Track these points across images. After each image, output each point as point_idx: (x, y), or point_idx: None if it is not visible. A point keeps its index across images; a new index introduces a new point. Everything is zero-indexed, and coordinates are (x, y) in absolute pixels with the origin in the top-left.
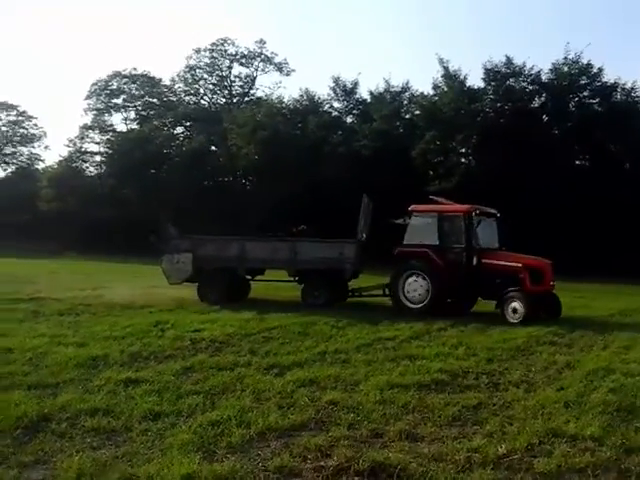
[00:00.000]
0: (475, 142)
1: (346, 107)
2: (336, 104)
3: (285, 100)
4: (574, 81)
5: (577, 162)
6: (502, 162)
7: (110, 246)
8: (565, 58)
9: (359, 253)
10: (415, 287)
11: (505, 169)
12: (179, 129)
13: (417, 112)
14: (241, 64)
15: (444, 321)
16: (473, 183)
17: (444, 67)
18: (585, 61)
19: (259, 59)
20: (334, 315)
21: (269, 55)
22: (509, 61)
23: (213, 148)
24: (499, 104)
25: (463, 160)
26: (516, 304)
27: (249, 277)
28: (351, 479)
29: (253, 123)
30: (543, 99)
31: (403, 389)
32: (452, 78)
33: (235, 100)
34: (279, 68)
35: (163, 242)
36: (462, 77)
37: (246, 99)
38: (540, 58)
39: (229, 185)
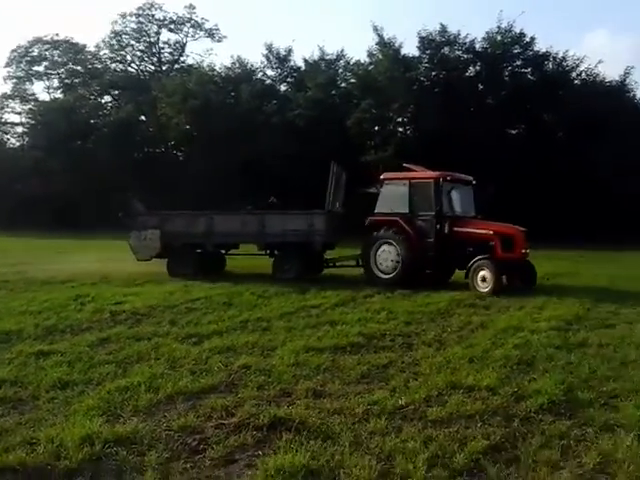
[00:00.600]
0: (411, 111)
1: (280, 75)
2: (269, 72)
3: (217, 68)
4: (507, 50)
5: (512, 131)
6: (438, 131)
7: (35, 221)
8: (498, 27)
9: (330, 224)
10: (386, 257)
11: (442, 138)
12: (106, 98)
13: (352, 81)
14: (170, 30)
15: (371, 288)
16: (410, 152)
17: (379, 35)
18: (518, 30)
19: (188, 25)
20: (262, 285)
21: (199, 21)
22: (444, 29)
23: (142, 118)
24: (434, 72)
25: (399, 129)
26: (485, 272)
27: (223, 251)
28: (250, 434)
29: (183, 92)
30: (478, 68)
31: (318, 352)
32: (387, 46)
33: (164, 67)
34: (210, 34)
35: (130, 218)
36: (397, 45)
37: (176, 66)
38: (474, 27)
39: (160, 157)
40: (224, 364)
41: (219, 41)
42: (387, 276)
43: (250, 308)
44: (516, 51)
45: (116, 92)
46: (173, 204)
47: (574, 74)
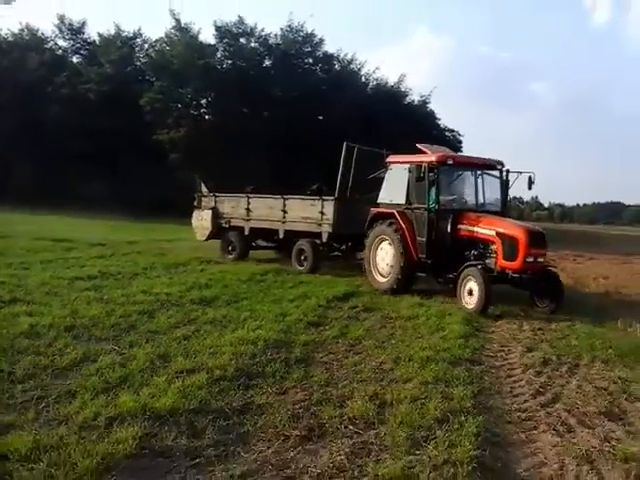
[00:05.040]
0: (206, 96)
1: (72, 46)
2: (61, 42)
3: (2, 33)
4: (299, 48)
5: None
6: (234, 117)
7: None
8: (289, 26)
9: (342, 213)
10: (383, 257)
11: (237, 123)
12: None
13: (146, 61)
14: None
15: (131, 247)
16: (205, 135)
17: (176, 19)
18: (309, 30)
19: None
20: (32, 242)
21: None
22: (241, 21)
23: None
24: (230, 61)
25: (194, 112)
26: (472, 284)
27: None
28: None
29: None
30: (272, 61)
31: (61, 279)
32: (183, 31)
33: None
34: None
35: (196, 199)
36: (194, 31)
37: None
38: (270, 21)
39: None
40: None
41: (7, 3)
42: (384, 280)
43: (17, 257)
44: (307, 49)
45: None
46: None
47: (359, 76)
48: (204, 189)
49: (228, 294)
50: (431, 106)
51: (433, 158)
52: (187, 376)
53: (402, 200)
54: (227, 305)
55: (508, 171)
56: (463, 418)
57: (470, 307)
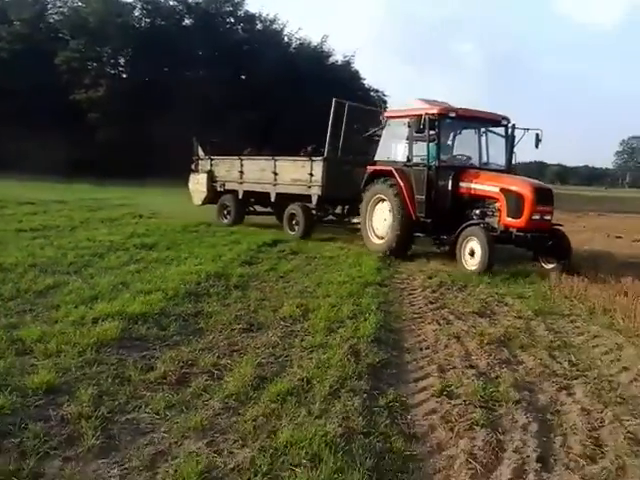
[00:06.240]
0: (125, 55)
1: None
2: None
3: None
4: (219, 7)
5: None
6: (154, 77)
7: None
8: None
9: (332, 174)
10: (380, 217)
11: (157, 82)
12: None
13: (61, 19)
14: None
15: (62, 205)
16: (125, 94)
17: None
18: None
19: None
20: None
21: None
22: None
23: None
24: (149, 20)
25: (112, 71)
26: (474, 244)
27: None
28: None
29: None
30: (192, 20)
31: (5, 231)
32: None
33: None
34: None
35: (194, 163)
36: None
37: None
38: None
39: None
40: None
41: None
42: (381, 241)
43: None
44: (228, 9)
45: None
46: None
47: (282, 36)
48: (201, 152)
49: (166, 241)
50: (355, 66)
51: (434, 110)
52: (147, 295)
53: (400, 157)
54: (167, 249)
55: (514, 127)
56: (368, 315)
57: (472, 268)
